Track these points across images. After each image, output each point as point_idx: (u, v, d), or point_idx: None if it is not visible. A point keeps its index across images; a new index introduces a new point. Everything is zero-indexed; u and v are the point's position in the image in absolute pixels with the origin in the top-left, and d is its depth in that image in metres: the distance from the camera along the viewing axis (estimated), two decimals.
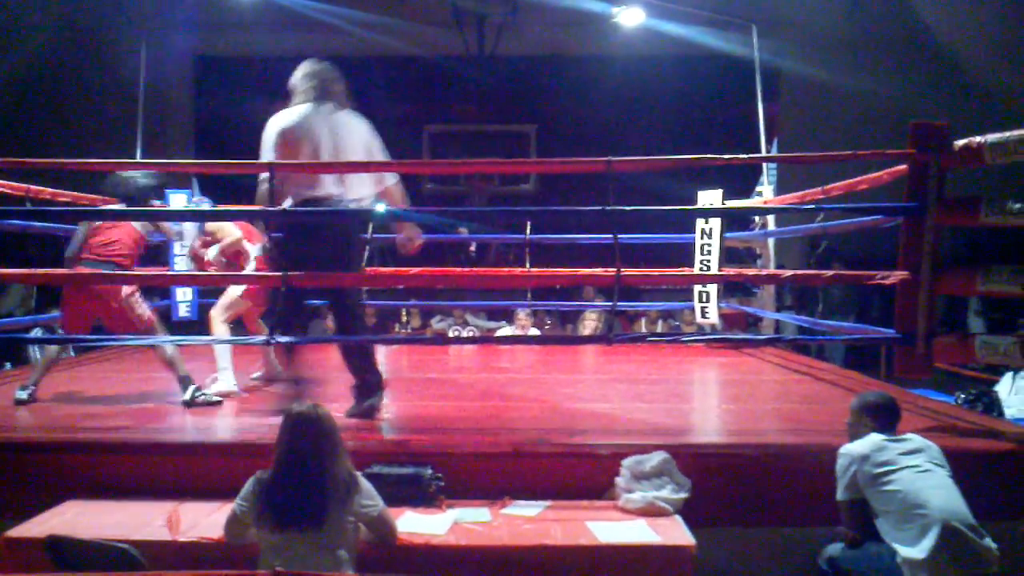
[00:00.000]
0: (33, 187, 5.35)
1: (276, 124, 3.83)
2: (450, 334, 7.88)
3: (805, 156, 4.75)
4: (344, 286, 3.96)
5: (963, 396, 5.25)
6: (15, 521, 2.89)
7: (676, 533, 2.85)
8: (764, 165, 7.06)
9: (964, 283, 3.78)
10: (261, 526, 2.56)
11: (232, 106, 9.86)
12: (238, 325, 4.85)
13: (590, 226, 5.68)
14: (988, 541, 2.72)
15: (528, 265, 6.71)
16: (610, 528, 2.88)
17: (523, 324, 7.30)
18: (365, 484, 2.68)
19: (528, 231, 6.84)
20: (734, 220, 6.84)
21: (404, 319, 8.20)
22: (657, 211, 5.01)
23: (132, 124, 7.61)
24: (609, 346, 4.28)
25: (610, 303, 4.76)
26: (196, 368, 4.37)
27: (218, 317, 4.63)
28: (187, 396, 4.15)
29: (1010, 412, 5.22)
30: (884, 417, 3.03)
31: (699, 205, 6.35)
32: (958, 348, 3.80)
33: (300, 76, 3.89)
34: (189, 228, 5.14)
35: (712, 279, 6.55)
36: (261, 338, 4.00)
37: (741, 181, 7.42)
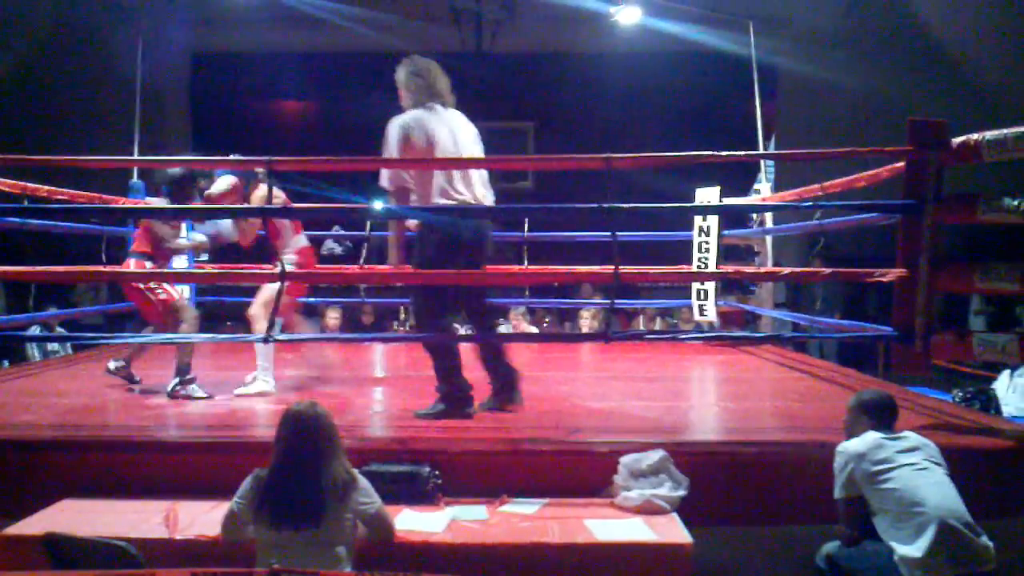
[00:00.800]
0: (30, 185, 5.33)
1: (397, 127, 3.73)
2: None
3: (803, 153, 4.76)
4: (474, 287, 3.96)
5: (960, 394, 5.26)
6: (12, 519, 2.88)
7: (673, 531, 2.85)
8: (762, 162, 7.07)
9: (962, 280, 3.76)
10: (259, 524, 2.56)
11: (229, 102, 9.91)
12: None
13: (588, 224, 5.67)
14: (985, 539, 2.72)
15: (526, 263, 6.71)
16: (607, 526, 2.88)
17: (517, 323, 7.23)
18: (363, 482, 2.68)
19: (526, 228, 6.84)
20: (732, 218, 6.84)
21: (403, 317, 8.19)
22: (655, 208, 5.00)
23: (129, 121, 7.57)
24: (607, 344, 4.27)
25: (608, 300, 4.76)
26: (196, 366, 4.35)
27: (260, 316, 4.37)
28: (170, 387, 4.21)
29: (1007, 410, 5.24)
30: (882, 415, 3.02)
31: (697, 203, 6.34)
32: (956, 345, 3.80)
33: (406, 74, 3.80)
34: (225, 224, 4.91)
35: (710, 277, 6.55)
36: (258, 335, 3.99)
37: (739, 179, 7.43)
